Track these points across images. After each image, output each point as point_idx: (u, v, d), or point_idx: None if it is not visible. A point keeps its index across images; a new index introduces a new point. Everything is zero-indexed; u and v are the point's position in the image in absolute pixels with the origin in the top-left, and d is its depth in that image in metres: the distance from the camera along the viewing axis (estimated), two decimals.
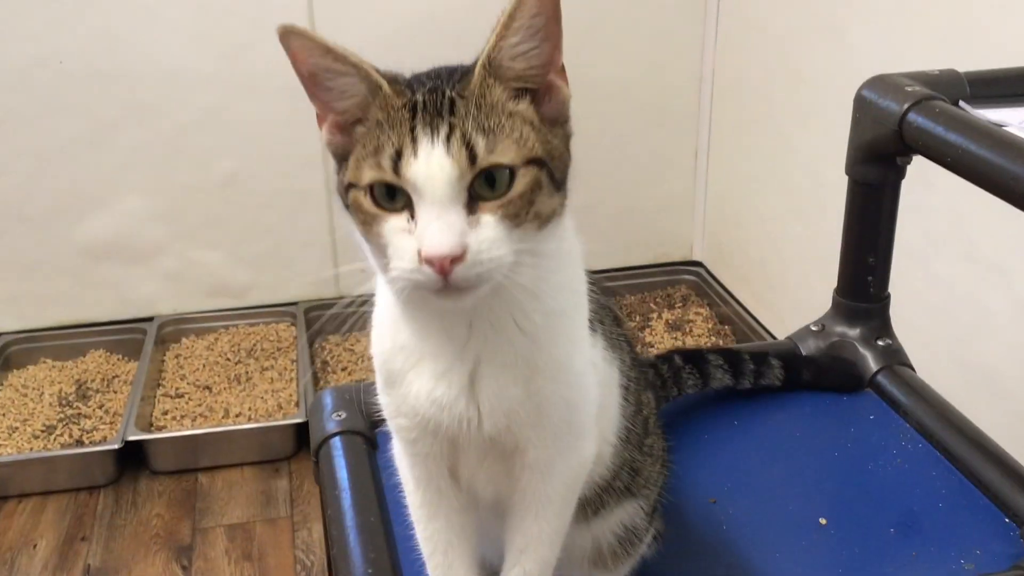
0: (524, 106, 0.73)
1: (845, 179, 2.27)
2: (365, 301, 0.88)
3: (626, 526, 0.96)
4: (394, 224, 0.72)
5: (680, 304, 2.94)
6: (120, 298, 2.80)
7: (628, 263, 3.02)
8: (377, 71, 0.74)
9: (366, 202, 0.73)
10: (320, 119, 0.77)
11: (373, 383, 1.27)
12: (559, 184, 0.74)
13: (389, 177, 0.71)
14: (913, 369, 1.30)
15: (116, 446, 2.34)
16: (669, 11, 2.76)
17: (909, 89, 1.16)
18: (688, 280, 3.02)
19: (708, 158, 2.92)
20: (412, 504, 0.89)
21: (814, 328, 1.33)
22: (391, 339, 0.81)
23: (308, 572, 2.10)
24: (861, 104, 1.22)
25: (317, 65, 0.73)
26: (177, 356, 2.75)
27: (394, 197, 0.72)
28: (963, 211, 1.96)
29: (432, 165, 0.69)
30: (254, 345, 2.78)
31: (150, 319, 2.80)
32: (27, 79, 2.55)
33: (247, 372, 2.68)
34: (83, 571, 2.10)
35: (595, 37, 2.74)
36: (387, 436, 1.21)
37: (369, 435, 1.19)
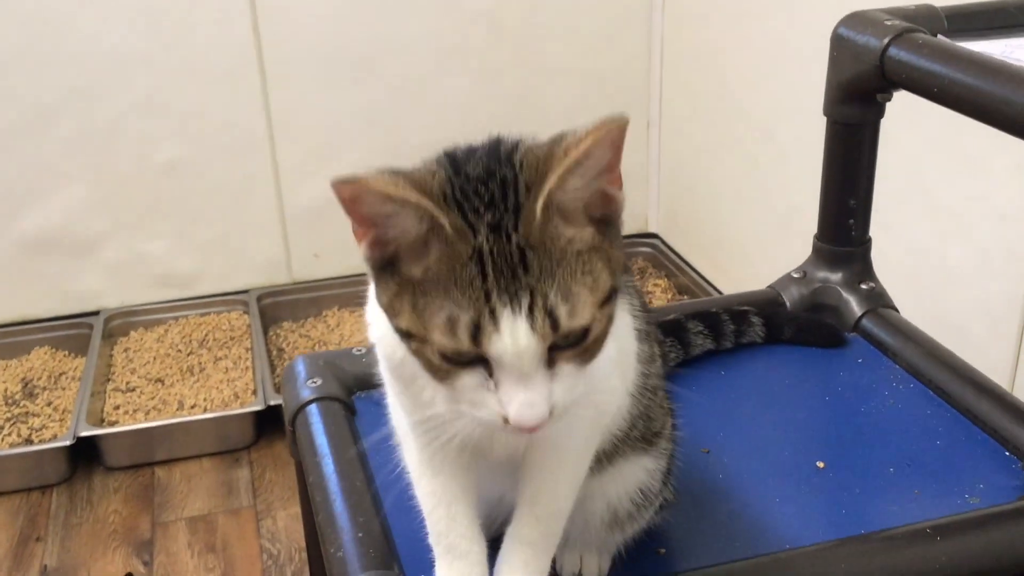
0: (588, 232, 0.68)
1: (799, 141, 2.27)
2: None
3: (642, 491, 0.93)
4: (469, 381, 0.68)
5: (638, 276, 2.91)
6: (64, 293, 2.70)
7: None
8: (435, 202, 0.65)
9: (435, 358, 0.68)
10: (358, 235, 0.69)
11: (347, 350, 1.23)
12: (620, 287, 0.71)
13: (467, 347, 0.66)
14: (898, 311, 1.28)
15: (68, 443, 2.25)
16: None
17: (888, 23, 1.14)
18: (644, 252, 3.00)
19: (660, 128, 2.90)
20: (413, 462, 0.85)
21: (795, 275, 1.31)
22: (401, 349, 0.74)
23: (275, 561, 2.04)
24: (838, 42, 1.19)
25: (374, 212, 0.66)
26: (126, 350, 2.66)
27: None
28: (921, 166, 1.95)
29: (519, 341, 0.65)
30: (206, 335, 2.70)
31: (96, 313, 2.71)
32: None
33: (200, 363, 2.60)
34: (40, 572, 2.02)
35: (541, 10, 2.70)
36: (365, 402, 1.18)
37: (347, 400, 1.14)
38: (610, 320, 0.70)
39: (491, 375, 0.67)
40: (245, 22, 2.54)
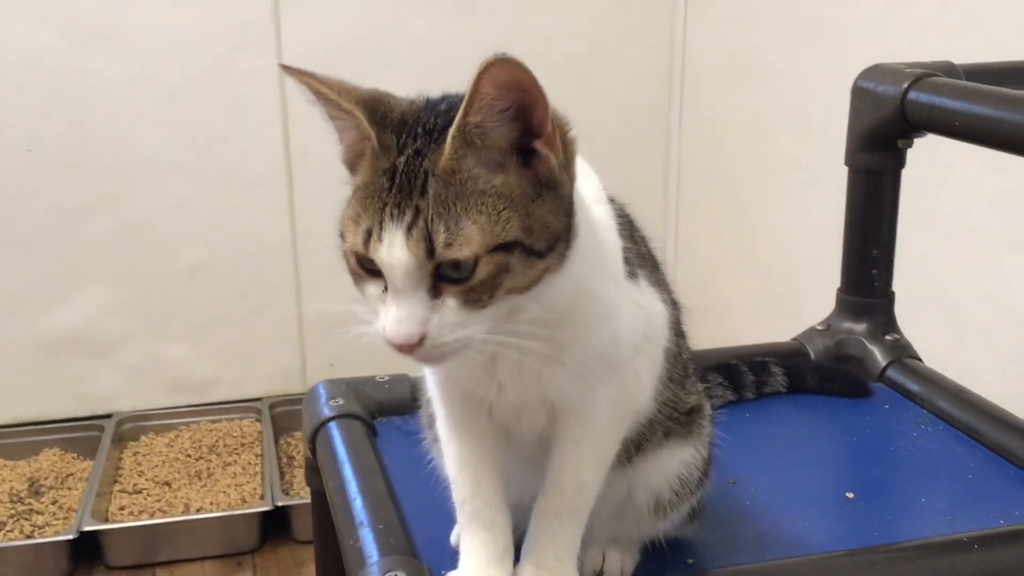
0: (501, 179, 0.70)
1: (815, 257, 2.29)
2: None
3: (681, 480, 0.92)
4: (372, 290, 0.73)
5: None
6: (78, 394, 2.69)
7: None
8: (370, 117, 0.73)
9: (351, 260, 0.74)
10: (338, 138, 0.77)
11: (371, 377, 1.23)
12: (545, 251, 0.72)
13: (361, 251, 0.71)
14: (922, 361, 1.27)
15: (70, 537, 2.20)
16: (633, 108, 2.83)
17: (908, 71, 1.18)
18: None
19: (676, 251, 2.94)
20: (443, 426, 0.85)
21: (820, 327, 1.31)
22: None
23: None
24: (859, 93, 1.23)
25: (316, 103, 0.74)
26: (135, 454, 2.63)
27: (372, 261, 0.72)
28: (937, 270, 1.97)
29: (393, 254, 0.69)
30: (216, 441, 2.67)
31: (108, 416, 2.69)
32: None
33: (209, 468, 2.56)
34: None
35: None
36: (386, 426, 1.16)
37: (368, 421, 1.13)
38: (501, 270, 0.70)
39: (386, 289, 0.71)
40: (276, 134, 2.62)
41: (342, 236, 0.74)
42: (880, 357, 1.26)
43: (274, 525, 2.35)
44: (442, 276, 0.69)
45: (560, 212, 0.72)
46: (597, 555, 0.89)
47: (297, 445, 2.67)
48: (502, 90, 0.68)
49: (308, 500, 2.32)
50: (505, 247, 0.69)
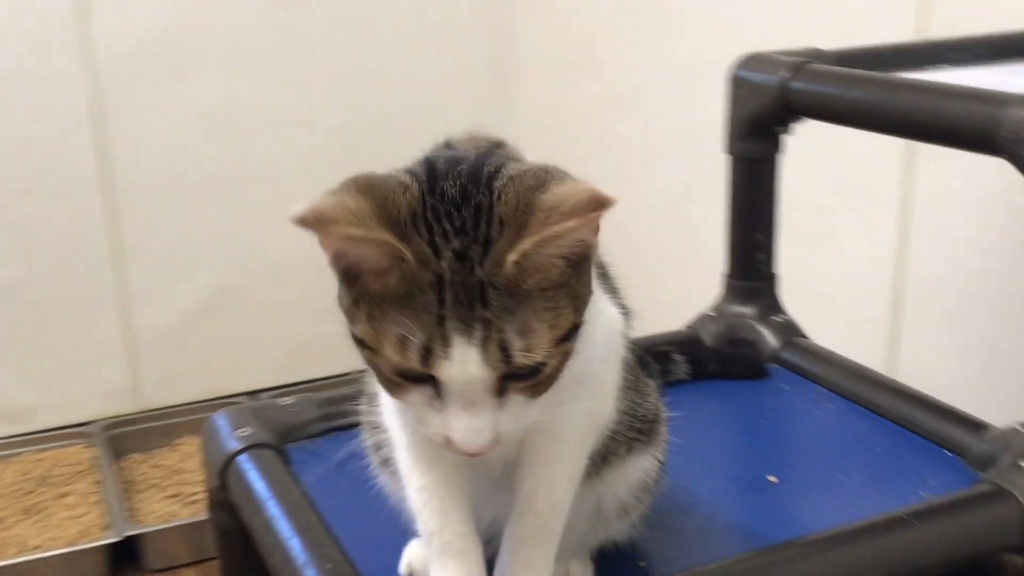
0: (555, 272, 0.67)
1: (655, 238, 2.34)
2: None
3: (642, 485, 0.92)
4: (417, 397, 0.68)
5: None
6: None
7: None
8: (395, 233, 0.65)
9: (387, 370, 0.68)
10: (321, 243, 0.68)
11: (273, 400, 1.16)
12: (583, 323, 0.70)
13: (416, 367, 0.66)
14: (809, 339, 1.31)
15: None
16: (464, 98, 2.80)
17: (786, 60, 1.20)
18: None
19: None
20: (406, 458, 0.80)
21: (711, 313, 1.32)
22: None
23: None
24: (737, 83, 1.25)
25: (338, 247, 0.67)
26: None
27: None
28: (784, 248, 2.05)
29: (468, 370, 0.65)
30: (46, 472, 2.49)
31: None
32: None
33: (41, 502, 2.39)
34: None
35: (397, 129, 2.68)
36: (299, 451, 1.10)
37: (280, 448, 1.06)
38: (566, 357, 0.69)
39: (439, 395, 0.67)
40: (85, 139, 2.45)
41: (369, 347, 0.67)
42: (771, 338, 1.29)
43: (122, 557, 2.21)
44: (509, 376, 0.67)
45: (589, 281, 0.71)
46: (560, 570, 0.87)
47: (138, 468, 2.52)
48: (590, 227, 0.66)
49: (159, 527, 2.22)
50: (568, 335, 0.68)
